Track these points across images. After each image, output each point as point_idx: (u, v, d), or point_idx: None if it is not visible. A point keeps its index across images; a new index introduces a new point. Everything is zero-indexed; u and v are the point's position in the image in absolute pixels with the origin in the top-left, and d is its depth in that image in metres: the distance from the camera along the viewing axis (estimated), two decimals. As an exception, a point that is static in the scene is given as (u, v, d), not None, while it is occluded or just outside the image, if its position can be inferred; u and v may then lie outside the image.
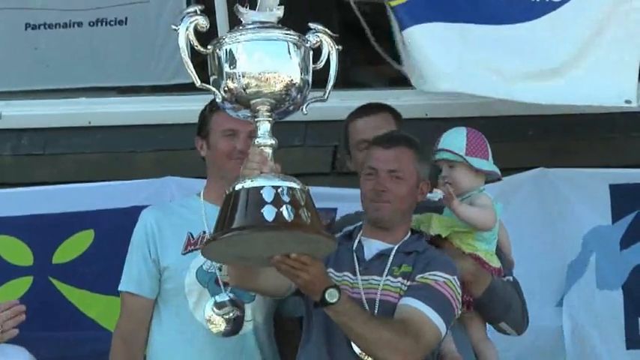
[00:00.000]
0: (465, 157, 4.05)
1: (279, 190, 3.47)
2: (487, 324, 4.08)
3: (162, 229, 4.11)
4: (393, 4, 4.86)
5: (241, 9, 3.53)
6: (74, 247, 4.95)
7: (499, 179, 4.13)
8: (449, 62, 4.82)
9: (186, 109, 4.60)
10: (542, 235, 4.68)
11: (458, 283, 3.84)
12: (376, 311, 3.77)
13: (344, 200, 4.48)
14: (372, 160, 3.89)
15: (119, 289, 4.15)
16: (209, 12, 4.68)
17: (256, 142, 3.53)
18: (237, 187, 3.49)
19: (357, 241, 3.89)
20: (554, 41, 4.79)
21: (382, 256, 3.83)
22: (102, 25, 5.36)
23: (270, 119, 3.55)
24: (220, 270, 4.01)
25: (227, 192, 3.53)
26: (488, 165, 4.09)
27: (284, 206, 3.45)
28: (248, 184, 3.48)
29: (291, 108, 3.58)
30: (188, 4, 5.28)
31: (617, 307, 4.76)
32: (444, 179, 4.10)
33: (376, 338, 3.70)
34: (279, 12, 3.51)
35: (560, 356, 4.74)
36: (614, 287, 4.77)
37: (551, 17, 4.66)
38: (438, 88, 4.74)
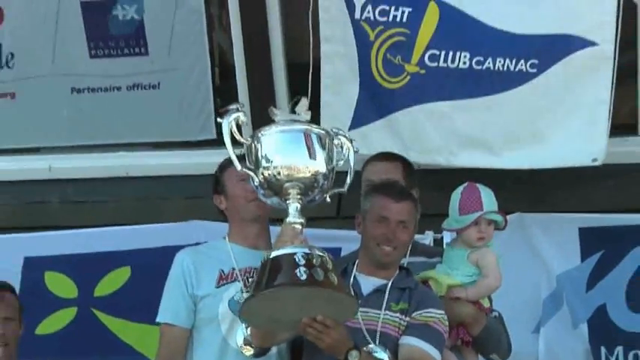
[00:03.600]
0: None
1: (309, 256, 3.53)
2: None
3: (197, 267, 4.13)
4: (390, 87, 4.90)
5: (275, 110, 3.67)
6: (113, 281, 4.96)
7: (504, 228, 4.13)
8: (436, 137, 4.84)
9: (210, 161, 4.54)
10: (521, 272, 4.59)
11: (445, 315, 3.88)
12: (377, 341, 3.78)
13: (348, 241, 4.42)
14: (384, 210, 3.91)
15: (158, 320, 4.14)
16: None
17: (287, 221, 3.63)
18: (273, 254, 3.56)
19: (352, 277, 3.91)
20: (533, 109, 4.75)
21: (378, 291, 3.85)
22: (138, 89, 5.33)
23: (300, 201, 3.64)
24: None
25: (262, 260, 3.60)
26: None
27: (314, 268, 3.52)
28: (282, 251, 3.56)
29: (317, 193, 3.68)
30: (213, 71, 5.38)
31: (584, 338, 4.79)
32: (480, 236, 4.06)
33: None
34: (308, 116, 3.63)
35: None
36: (582, 321, 4.79)
37: (528, 87, 4.67)
38: (434, 161, 4.77)
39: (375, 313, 3.82)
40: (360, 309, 3.76)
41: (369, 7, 4.82)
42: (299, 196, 3.62)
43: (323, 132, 3.66)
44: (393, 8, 4.82)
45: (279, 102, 5.06)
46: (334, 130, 3.74)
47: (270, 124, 3.62)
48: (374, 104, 4.90)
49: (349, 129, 4.79)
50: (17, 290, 4.45)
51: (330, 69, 4.86)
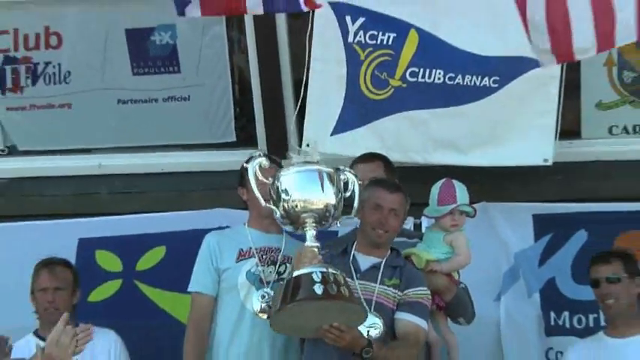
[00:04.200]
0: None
1: (324, 274, 3.55)
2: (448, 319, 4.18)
3: (221, 246, 4.18)
4: (376, 98, 4.86)
5: (292, 154, 3.72)
6: (152, 258, 4.97)
7: (474, 216, 4.17)
8: (415, 140, 4.83)
9: (230, 160, 4.74)
10: (485, 251, 4.57)
11: (428, 291, 3.93)
12: (372, 309, 3.80)
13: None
14: (379, 199, 3.92)
15: (189, 289, 4.20)
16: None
17: (306, 245, 3.65)
18: (295, 274, 3.59)
19: (352, 255, 3.92)
20: (494, 117, 4.73)
21: (374, 268, 3.87)
22: (172, 101, 5.34)
23: (316, 228, 3.66)
24: (263, 272, 4.07)
25: (287, 279, 3.63)
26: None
27: (329, 284, 3.53)
28: (302, 271, 3.58)
29: (329, 220, 3.68)
30: (233, 86, 5.35)
31: (537, 305, 4.80)
32: (453, 224, 4.10)
33: (397, 357, 3.82)
34: (318, 157, 3.67)
35: (497, 338, 4.75)
36: (535, 291, 4.80)
37: (491, 99, 4.67)
38: (412, 159, 4.80)
39: (371, 286, 3.83)
40: (359, 282, 3.81)
41: (361, 32, 4.78)
42: (314, 224, 3.65)
43: (331, 170, 3.68)
44: (380, 33, 4.77)
45: (287, 111, 5.09)
46: (341, 167, 3.76)
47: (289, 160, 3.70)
48: (360, 113, 4.85)
49: (331, 134, 4.85)
50: (72, 265, 4.61)
51: (317, 84, 4.81)
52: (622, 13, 3.67)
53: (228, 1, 3.88)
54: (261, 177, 3.71)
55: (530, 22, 3.83)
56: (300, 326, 3.69)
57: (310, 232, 3.64)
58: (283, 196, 3.64)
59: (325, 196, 3.65)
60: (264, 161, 3.72)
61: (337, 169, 3.73)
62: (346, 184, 3.74)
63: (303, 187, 3.66)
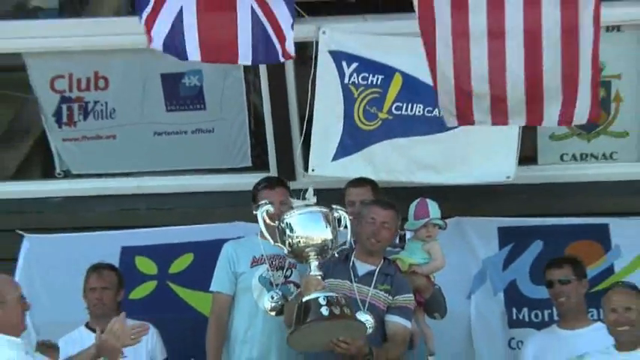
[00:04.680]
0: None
1: (329, 298, 3.56)
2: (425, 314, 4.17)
3: (238, 253, 4.17)
4: (367, 129, 4.81)
5: (293, 200, 3.78)
6: (182, 263, 4.94)
7: (445, 228, 4.18)
8: (400, 163, 4.79)
9: (246, 181, 4.61)
10: (458, 257, 4.60)
11: (412, 296, 3.92)
12: (365, 309, 3.78)
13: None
14: (373, 214, 3.88)
15: (211, 289, 4.19)
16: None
17: (312, 274, 3.65)
18: (305, 299, 3.59)
19: (352, 261, 3.89)
20: (464, 143, 4.65)
21: (369, 274, 3.85)
22: (199, 133, 5.30)
23: (318, 259, 3.66)
24: (273, 276, 4.05)
25: (298, 303, 3.62)
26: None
27: (333, 306, 3.54)
28: (311, 296, 3.58)
29: (329, 252, 3.68)
30: (249, 120, 5.27)
31: (501, 302, 4.77)
32: (428, 235, 4.09)
33: (389, 354, 3.79)
34: (314, 200, 3.68)
35: (467, 330, 4.72)
36: (499, 291, 4.78)
37: (461, 128, 4.32)
38: (397, 178, 4.75)
39: (366, 289, 3.82)
40: (356, 284, 3.81)
41: (355, 75, 4.78)
42: (316, 256, 3.66)
43: (327, 210, 3.70)
44: (371, 75, 4.76)
45: (294, 141, 5.05)
46: (334, 206, 3.76)
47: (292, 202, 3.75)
48: (354, 142, 4.81)
49: (331, 160, 4.84)
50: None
51: (320, 119, 4.81)
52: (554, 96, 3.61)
53: (224, 51, 3.82)
54: (268, 221, 3.73)
55: (439, 78, 3.74)
56: (312, 343, 3.68)
57: (314, 264, 3.64)
58: (288, 233, 3.65)
59: (323, 233, 3.66)
60: (270, 208, 3.75)
61: (331, 209, 3.72)
62: (339, 220, 3.73)
63: (305, 227, 3.67)
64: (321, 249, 3.66)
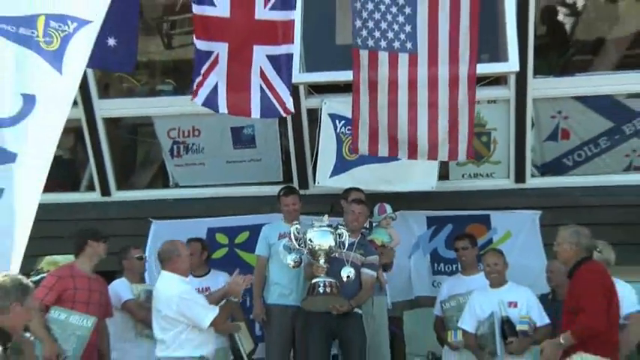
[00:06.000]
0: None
1: (326, 281, 3.64)
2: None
3: (271, 231, 4.26)
4: (350, 159, 4.67)
5: (315, 222, 3.76)
6: (242, 237, 4.88)
7: (395, 219, 4.26)
8: (370, 179, 4.68)
9: (278, 189, 4.50)
10: (403, 234, 4.56)
11: (377, 256, 3.92)
12: (349, 264, 3.73)
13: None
14: (353, 208, 3.98)
15: (255, 253, 4.29)
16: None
17: (320, 265, 3.67)
18: (313, 281, 3.63)
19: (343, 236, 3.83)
20: (407, 164, 4.35)
21: (351, 244, 3.86)
22: (253, 161, 5.21)
23: (325, 257, 3.67)
24: (291, 245, 3.86)
25: (309, 283, 3.62)
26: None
27: (327, 287, 3.62)
28: (316, 280, 3.63)
29: (332, 253, 3.71)
30: (281, 155, 5.18)
31: (428, 260, 4.80)
32: (386, 223, 4.13)
33: (362, 297, 3.81)
34: (328, 221, 3.73)
35: (408, 277, 4.71)
36: (427, 253, 4.82)
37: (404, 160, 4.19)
38: (370, 188, 4.56)
39: (350, 252, 3.84)
40: (343, 251, 3.79)
41: (342, 127, 4.75)
42: (324, 255, 3.70)
43: (333, 229, 3.71)
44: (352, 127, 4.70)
45: (308, 164, 4.97)
46: (338, 224, 3.78)
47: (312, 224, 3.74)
48: (343, 166, 4.77)
49: (329, 177, 4.72)
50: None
51: (323, 150, 4.78)
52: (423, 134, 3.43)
53: (241, 108, 3.60)
54: (294, 241, 3.72)
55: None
56: (316, 306, 3.70)
57: (322, 259, 3.68)
58: (309, 242, 3.69)
59: (329, 243, 3.70)
60: (298, 226, 3.76)
61: (336, 227, 3.71)
62: (341, 234, 3.75)
63: (319, 239, 3.70)
64: (327, 251, 3.70)
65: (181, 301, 3.34)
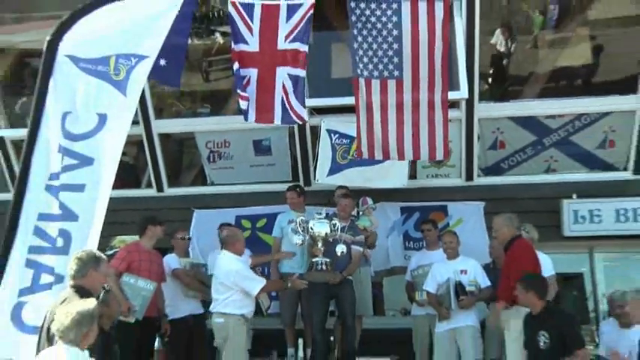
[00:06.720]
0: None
1: (323, 261, 3.70)
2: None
3: (283, 218, 4.31)
4: (343, 163, 4.67)
5: (316, 214, 3.75)
6: (262, 222, 4.92)
7: (375, 209, 4.33)
8: (357, 177, 4.65)
9: (287, 184, 4.54)
10: (381, 220, 4.58)
11: (363, 236, 3.98)
12: (342, 242, 3.76)
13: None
14: (341, 200, 4.10)
15: (272, 235, 4.35)
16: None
17: (318, 248, 3.72)
18: (313, 260, 3.68)
19: (337, 222, 3.90)
20: (386, 166, 4.40)
21: (343, 227, 3.92)
22: (268, 166, 5.05)
23: (322, 241, 3.70)
24: (298, 228, 3.86)
25: (309, 263, 3.63)
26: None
27: (324, 265, 3.68)
28: (315, 260, 3.67)
29: (327, 238, 3.72)
30: (291, 159, 5.10)
31: (401, 239, 4.85)
32: (368, 212, 4.16)
33: (352, 269, 3.84)
34: (324, 214, 3.68)
35: (386, 251, 4.74)
36: (400, 234, 4.86)
37: (383, 163, 4.27)
38: (357, 184, 4.54)
39: (342, 234, 3.90)
40: (337, 233, 3.81)
41: (336, 139, 4.75)
42: (322, 240, 3.74)
43: (329, 219, 3.75)
44: (343, 139, 4.73)
45: (310, 165, 4.92)
46: (333, 214, 3.82)
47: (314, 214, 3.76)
48: (337, 168, 4.74)
49: (326, 176, 4.66)
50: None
51: (321, 156, 4.75)
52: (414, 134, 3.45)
53: (266, 116, 3.45)
54: (299, 229, 3.73)
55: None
56: (316, 280, 3.70)
57: (320, 243, 3.73)
58: (310, 230, 3.73)
59: (326, 230, 3.74)
60: (303, 218, 3.75)
61: (332, 217, 3.77)
62: (334, 224, 3.77)
63: (318, 227, 3.74)
64: (324, 237, 3.75)
65: (237, 275, 3.53)
